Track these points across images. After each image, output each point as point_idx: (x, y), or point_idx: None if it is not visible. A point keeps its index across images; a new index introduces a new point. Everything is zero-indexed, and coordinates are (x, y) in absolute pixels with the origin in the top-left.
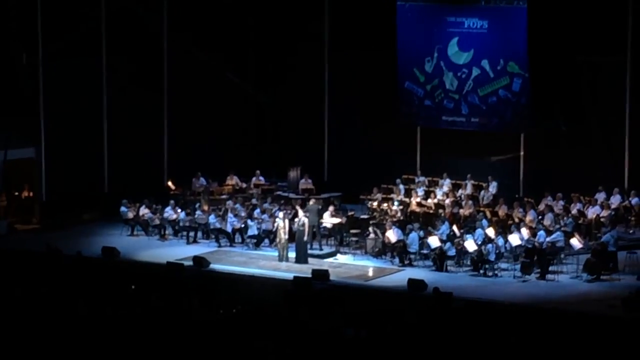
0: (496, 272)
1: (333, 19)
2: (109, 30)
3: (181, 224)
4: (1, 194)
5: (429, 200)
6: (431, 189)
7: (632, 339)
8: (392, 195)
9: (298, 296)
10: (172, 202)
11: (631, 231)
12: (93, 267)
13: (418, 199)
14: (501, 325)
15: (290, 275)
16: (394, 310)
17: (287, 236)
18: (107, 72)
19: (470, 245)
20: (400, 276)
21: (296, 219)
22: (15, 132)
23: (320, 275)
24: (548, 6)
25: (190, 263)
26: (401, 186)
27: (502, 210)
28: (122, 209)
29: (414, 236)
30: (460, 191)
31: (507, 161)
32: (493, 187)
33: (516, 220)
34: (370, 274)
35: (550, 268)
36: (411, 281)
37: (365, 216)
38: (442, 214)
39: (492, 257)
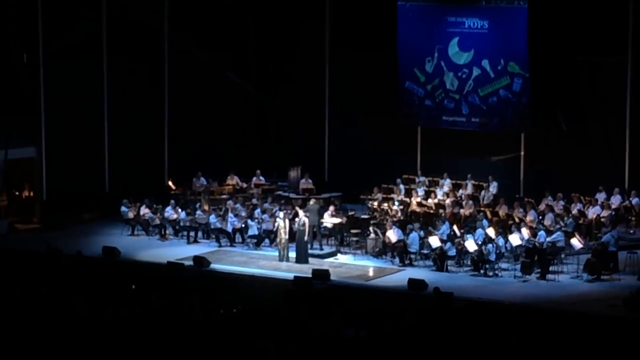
0: (497, 272)
1: (333, 18)
2: (109, 30)
3: (182, 223)
4: (2, 194)
5: (430, 200)
6: (431, 188)
7: (633, 339)
8: (393, 195)
9: (298, 296)
10: (172, 201)
11: (632, 231)
12: (93, 266)
13: (418, 199)
14: (502, 325)
15: (290, 275)
16: (394, 310)
17: (287, 236)
18: (107, 72)
19: (471, 245)
20: (400, 276)
21: (297, 219)
22: (15, 131)
23: (321, 275)
24: (548, 6)
25: (191, 263)
26: (401, 186)
27: (502, 210)
28: (123, 208)
29: (414, 236)
30: (460, 191)
31: (508, 161)
32: (493, 187)
33: (517, 220)
34: (371, 273)
35: (551, 268)
36: (411, 281)
37: (366, 216)
38: (443, 214)
39: (492, 257)
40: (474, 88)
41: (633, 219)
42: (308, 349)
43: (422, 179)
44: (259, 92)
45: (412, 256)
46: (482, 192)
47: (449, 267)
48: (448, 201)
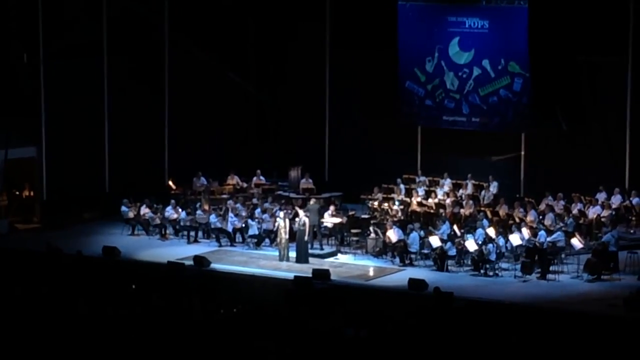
0: (497, 272)
1: (334, 18)
2: (109, 30)
3: (182, 223)
4: (2, 193)
5: (430, 200)
6: (432, 188)
7: (633, 339)
8: (393, 195)
9: (299, 296)
10: (172, 201)
11: (632, 231)
12: (94, 266)
13: (419, 199)
14: (502, 325)
15: (290, 275)
16: (394, 310)
17: (287, 236)
18: (108, 72)
19: (471, 245)
20: (400, 276)
21: (297, 219)
22: (15, 131)
23: (321, 274)
24: (549, 6)
25: (191, 262)
26: (402, 186)
27: (502, 210)
28: (123, 208)
29: (414, 236)
30: (460, 191)
31: (508, 161)
32: (494, 187)
33: (517, 220)
34: (371, 273)
35: (551, 268)
36: (412, 281)
37: (366, 216)
38: (443, 214)
39: (492, 257)
40: (475, 88)
41: (633, 218)
42: (308, 348)
43: (422, 178)
44: (259, 92)
45: (413, 256)
46: (483, 192)
47: (449, 267)
48: (448, 201)
